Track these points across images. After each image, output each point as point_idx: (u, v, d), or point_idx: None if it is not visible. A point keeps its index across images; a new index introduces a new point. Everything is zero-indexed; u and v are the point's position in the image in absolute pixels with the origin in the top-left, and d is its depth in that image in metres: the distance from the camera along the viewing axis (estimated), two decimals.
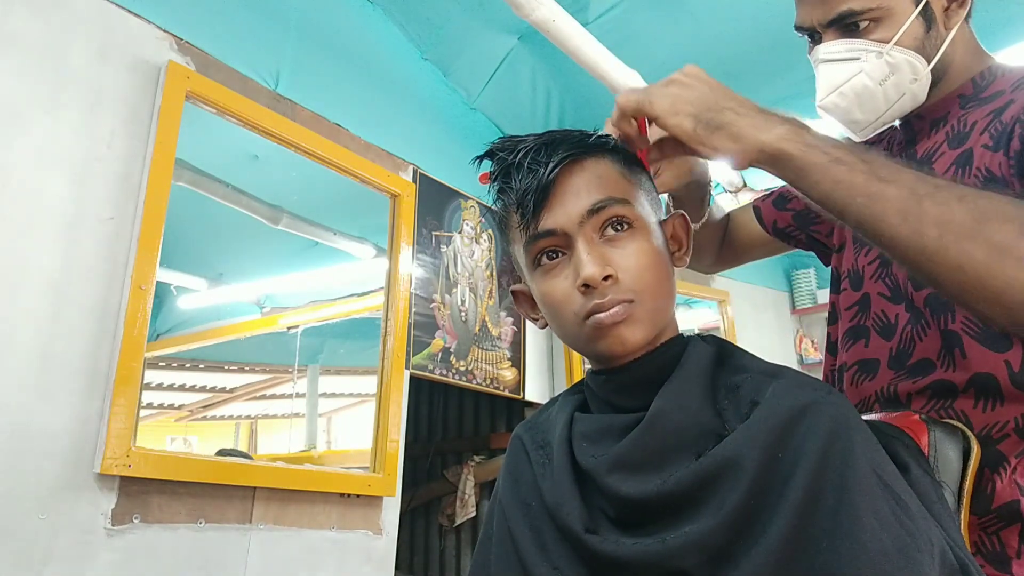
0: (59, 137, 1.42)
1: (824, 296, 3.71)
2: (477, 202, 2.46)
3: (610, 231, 0.70)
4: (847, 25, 0.84)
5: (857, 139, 0.92)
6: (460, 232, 2.40)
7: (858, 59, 0.84)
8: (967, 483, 0.74)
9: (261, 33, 1.87)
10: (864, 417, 0.64)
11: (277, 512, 1.67)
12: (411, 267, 2.13)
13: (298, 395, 3.00)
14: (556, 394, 1.04)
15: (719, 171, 2.54)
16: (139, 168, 1.53)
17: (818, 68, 0.88)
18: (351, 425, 3.15)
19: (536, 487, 0.72)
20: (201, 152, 1.87)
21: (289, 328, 2.78)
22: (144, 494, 1.43)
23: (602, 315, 0.67)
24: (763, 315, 3.73)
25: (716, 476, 0.59)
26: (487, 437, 3.21)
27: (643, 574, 0.59)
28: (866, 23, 0.84)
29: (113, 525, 1.38)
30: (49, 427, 1.32)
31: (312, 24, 2.01)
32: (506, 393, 2.46)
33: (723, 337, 0.92)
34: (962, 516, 0.71)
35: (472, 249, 2.43)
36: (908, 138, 0.95)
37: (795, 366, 1.88)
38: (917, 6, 0.84)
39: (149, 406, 2.76)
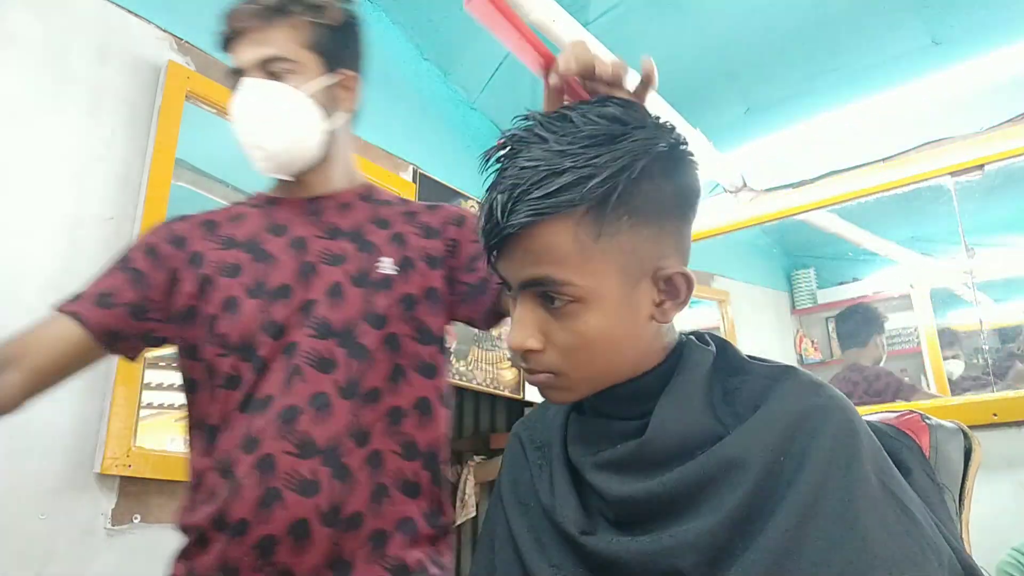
0: (59, 137, 1.42)
1: (824, 296, 3.72)
2: (477, 202, 2.46)
3: (554, 302, 0.63)
4: (270, 71, 0.97)
5: (261, 167, 1.01)
6: None
7: (273, 95, 0.97)
8: (968, 483, 0.74)
9: None
10: (866, 418, 0.64)
11: None
12: None
13: None
14: None
15: (719, 171, 2.53)
16: (139, 168, 1.53)
17: (238, 94, 0.98)
18: None
19: (533, 488, 0.72)
20: (201, 152, 1.86)
21: None
22: (144, 494, 1.43)
23: (529, 377, 0.69)
24: (763, 315, 3.73)
25: (716, 475, 0.59)
26: (487, 437, 3.19)
27: (640, 573, 0.59)
28: (284, 71, 0.96)
29: (113, 525, 1.37)
30: (49, 427, 1.32)
31: None
32: (506, 393, 2.46)
33: (723, 337, 0.90)
34: (963, 518, 0.71)
35: None
36: (315, 209, 1.03)
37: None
38: (324, 74, 0.99)
39: (149, 406, 2.75)
